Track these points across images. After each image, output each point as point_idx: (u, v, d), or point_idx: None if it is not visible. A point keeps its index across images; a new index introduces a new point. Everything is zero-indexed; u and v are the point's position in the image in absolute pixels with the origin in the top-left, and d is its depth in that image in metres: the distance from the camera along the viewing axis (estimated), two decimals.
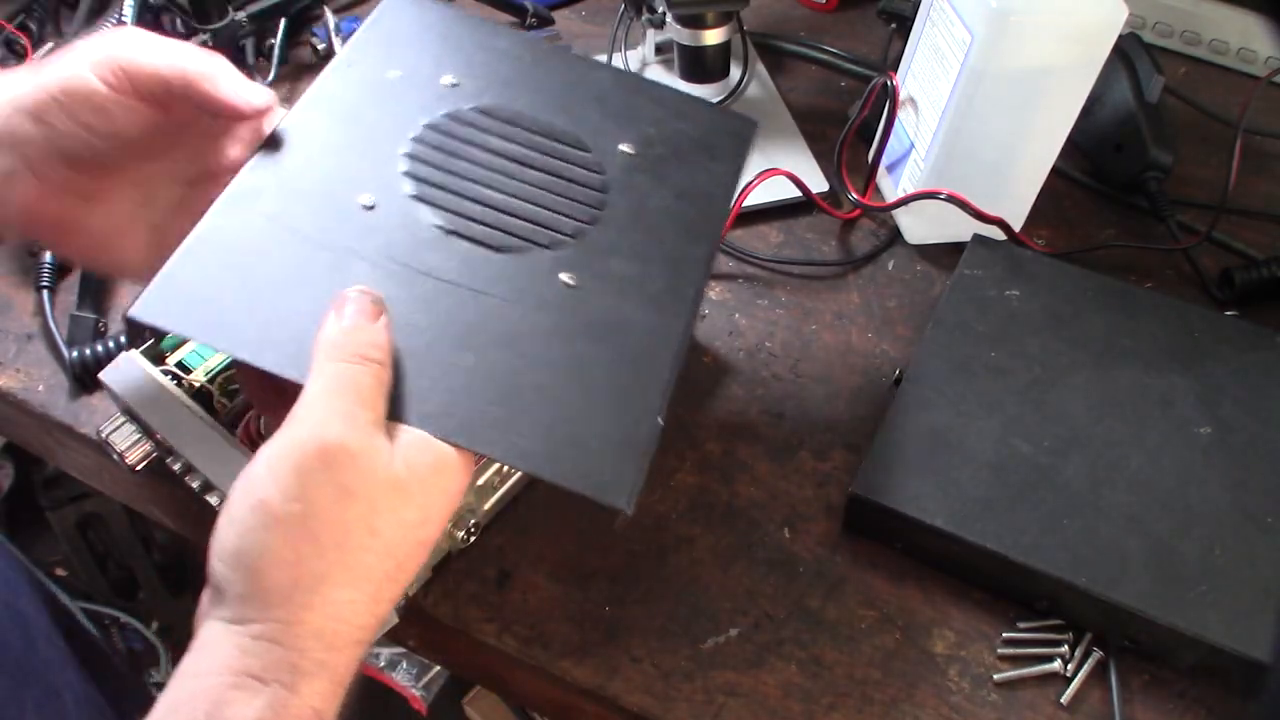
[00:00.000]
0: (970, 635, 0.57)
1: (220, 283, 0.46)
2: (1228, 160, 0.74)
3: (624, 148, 0.58)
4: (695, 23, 0.75)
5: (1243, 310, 0.72)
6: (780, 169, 0.73)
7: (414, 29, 0.60)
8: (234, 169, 0.51)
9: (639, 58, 0.84)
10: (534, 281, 0.51)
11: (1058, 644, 0.56)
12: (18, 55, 0.80)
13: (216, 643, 0.39)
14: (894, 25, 0.84)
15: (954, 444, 0.59)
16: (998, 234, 0.70)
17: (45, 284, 0.69)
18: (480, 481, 0.56)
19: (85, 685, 0.75)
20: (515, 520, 0.60)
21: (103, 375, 0.57)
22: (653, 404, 0.48)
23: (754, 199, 0.71)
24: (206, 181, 0.53)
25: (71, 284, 0.70)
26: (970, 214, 0.69)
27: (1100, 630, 0.56)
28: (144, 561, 1.23)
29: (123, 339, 0.65)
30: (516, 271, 0.51)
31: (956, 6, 0.64)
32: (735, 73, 0.82)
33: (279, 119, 0.53)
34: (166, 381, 0.57)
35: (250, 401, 0.56)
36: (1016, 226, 0.72)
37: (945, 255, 0.74)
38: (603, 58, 0.83)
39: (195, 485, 0.56)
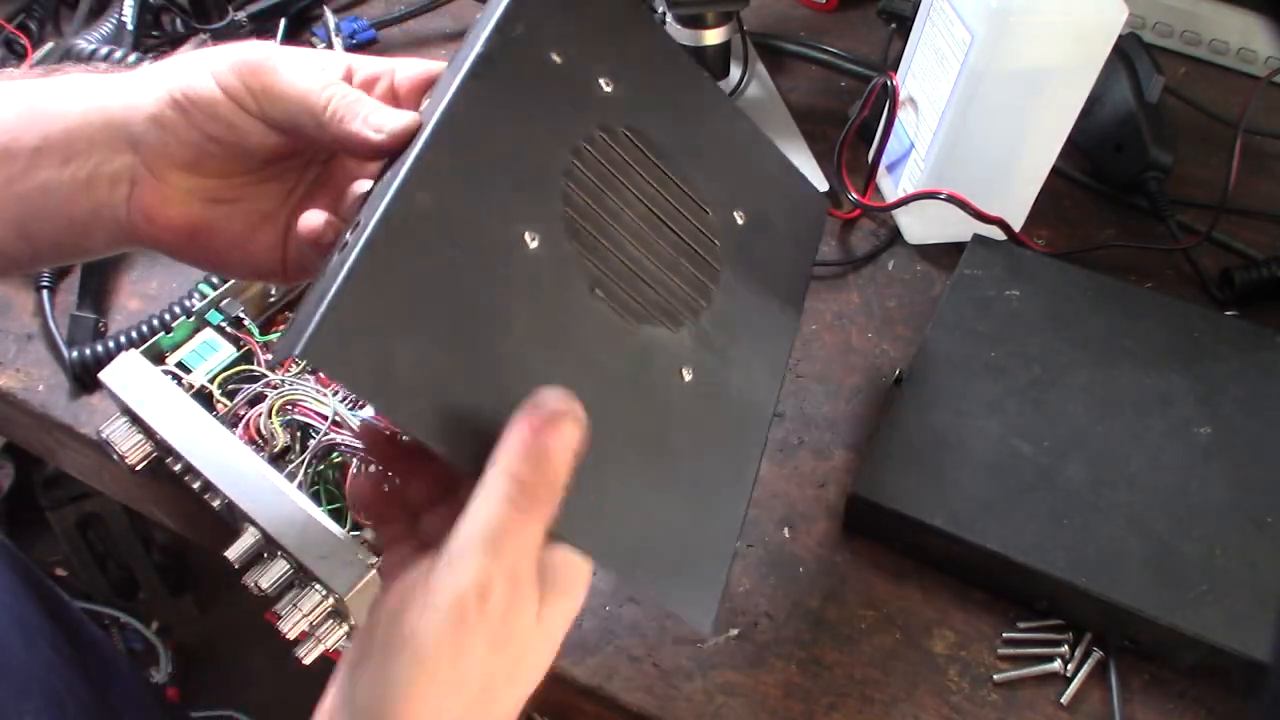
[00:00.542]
0: (970, 635, 0.57)
1: (383, 331, 0.37)
2: (1228, 160, 0.74)
3: (737, 217, 0.52)
4: (695, 23, 0.75)
5: (1243, 310, 0.72)
6: None
7: (582, 2, 0.49)
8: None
9: None
10: (658, 368, 0.45)
11: (1058, 644, 0.56)
12: (18, 55, 0.80)
13: None
14: (894, 25, 0.84)
15: (954, 444, 0.59)
16: (998, 234, 0.70)
17: (45, 284, 0.69)
18: None
19: (87, 688, 0.75)
20: None
21: (103, 375, 0.57)
22: (734, 524, 0.46)
23: None
24: (345, 164, 0.49)
25: (71, 284, 0.69)
26: (970, 214, 0.69)
27: (1100, 630, 0.56)
28: (144, 561, 1.23)
29: (123, 339, 0.65)
30: (644, 351, 0.44)
31: (956, 6, 0.64)
32: (735, 73, 0.82)
33: (431, 86, 0.45)
34: (167, 381, 0.57)
35: (368, 451, 0.53)
36: (1016, 226, 0.72)
37: (945, 255, 0.74)
38: None
39: (195, 485, 0.56)
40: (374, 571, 0.51)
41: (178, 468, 0.56)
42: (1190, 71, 0.89)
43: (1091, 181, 0.80)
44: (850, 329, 0.70)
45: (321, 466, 0.57)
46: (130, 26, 0.78)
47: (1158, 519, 0.56)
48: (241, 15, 0.80)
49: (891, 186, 0.76)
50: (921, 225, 0.74)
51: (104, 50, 0.71)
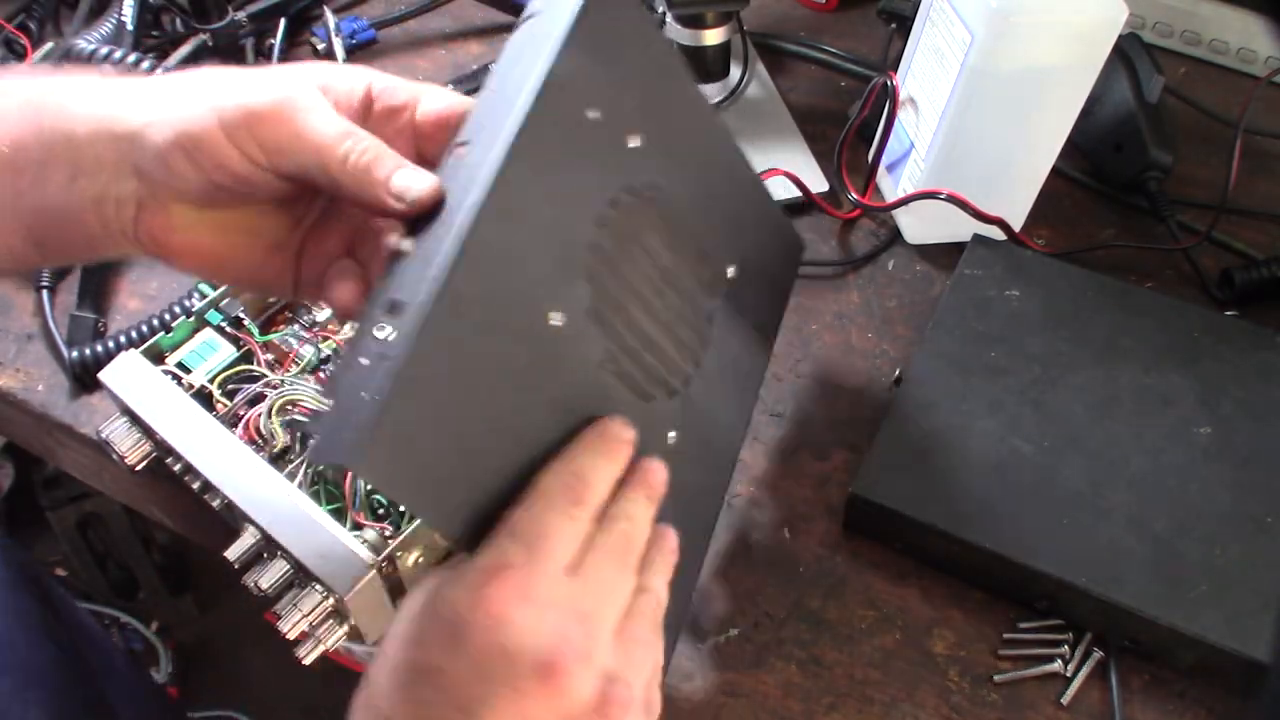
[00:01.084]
0: (970, 635, 0.57)
1: (429, 443, 0.37)
2: (1228, 160, 0.74)
3: (729, 271, 0.52)
4: (695, 23, 0.75)
5: (1243, 310, 0.72)
6: (780, 169, 0.73)
7: (620, 45, 0.45)
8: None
9: None
10: (647, 436, 0.44)
11: (1058, 644, 0.56)
12: (18, 55, 0.80)
13: None
14: (894, 25, 0.84)
15: (954, 444, 0.59)
16: (998, 234, 0.70)
17: (45, 284, 0.69)
18: None
19: (88, 686, 0.75)
20: None
21: (103, 375, 0.57)
22: (690, 584, 0.47)
23: None
24: None
25: (71, 284, 0.69)
26: (970, 214, 0.69)
27: (1100, 630, 0.56)
28: (144, 561, 1.23)
29: (123, 339, 0.65)
30: (639, 421, 0.44)
31: (956, 6, 0.64)
32: (735, 73, 0.82)
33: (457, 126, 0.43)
34: (166, 381, 0.57)
35: None
36: (1016, 226, 0.72)
37: (945, 255, 0.74)
38: None
39: (195, 485, 0.56)
40: (374, 571, 0.51)
41: (178, 468, 0.56)
42: (1190, 71, 0.89)
43: (1091, 181, 0.80)
44: (850, 329, 0.70)
45: (321, 466, 0.57)
46: (130, 26, 0.78)
47: (1158, 519, 0.56)
48: (241, 15, 0.80)
49: (891, 186, 0.76)
50: (921, 225, 0.74)
51: (104, 50, 0.71)
